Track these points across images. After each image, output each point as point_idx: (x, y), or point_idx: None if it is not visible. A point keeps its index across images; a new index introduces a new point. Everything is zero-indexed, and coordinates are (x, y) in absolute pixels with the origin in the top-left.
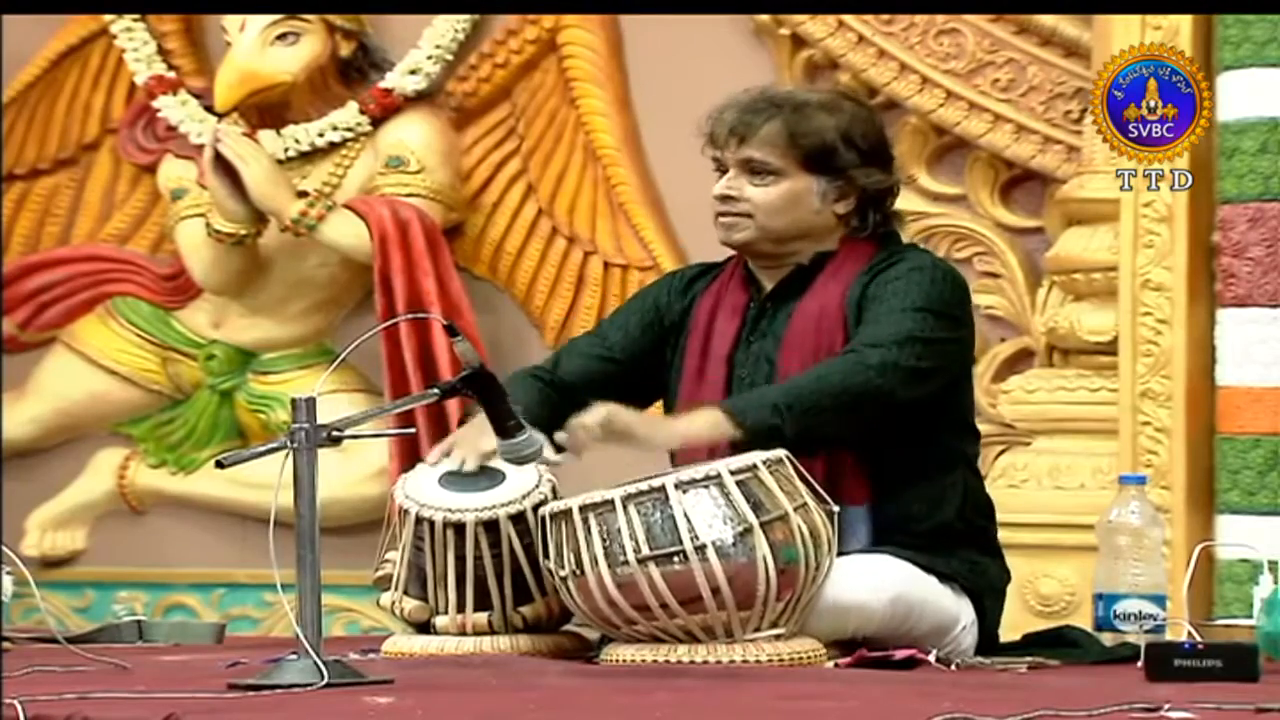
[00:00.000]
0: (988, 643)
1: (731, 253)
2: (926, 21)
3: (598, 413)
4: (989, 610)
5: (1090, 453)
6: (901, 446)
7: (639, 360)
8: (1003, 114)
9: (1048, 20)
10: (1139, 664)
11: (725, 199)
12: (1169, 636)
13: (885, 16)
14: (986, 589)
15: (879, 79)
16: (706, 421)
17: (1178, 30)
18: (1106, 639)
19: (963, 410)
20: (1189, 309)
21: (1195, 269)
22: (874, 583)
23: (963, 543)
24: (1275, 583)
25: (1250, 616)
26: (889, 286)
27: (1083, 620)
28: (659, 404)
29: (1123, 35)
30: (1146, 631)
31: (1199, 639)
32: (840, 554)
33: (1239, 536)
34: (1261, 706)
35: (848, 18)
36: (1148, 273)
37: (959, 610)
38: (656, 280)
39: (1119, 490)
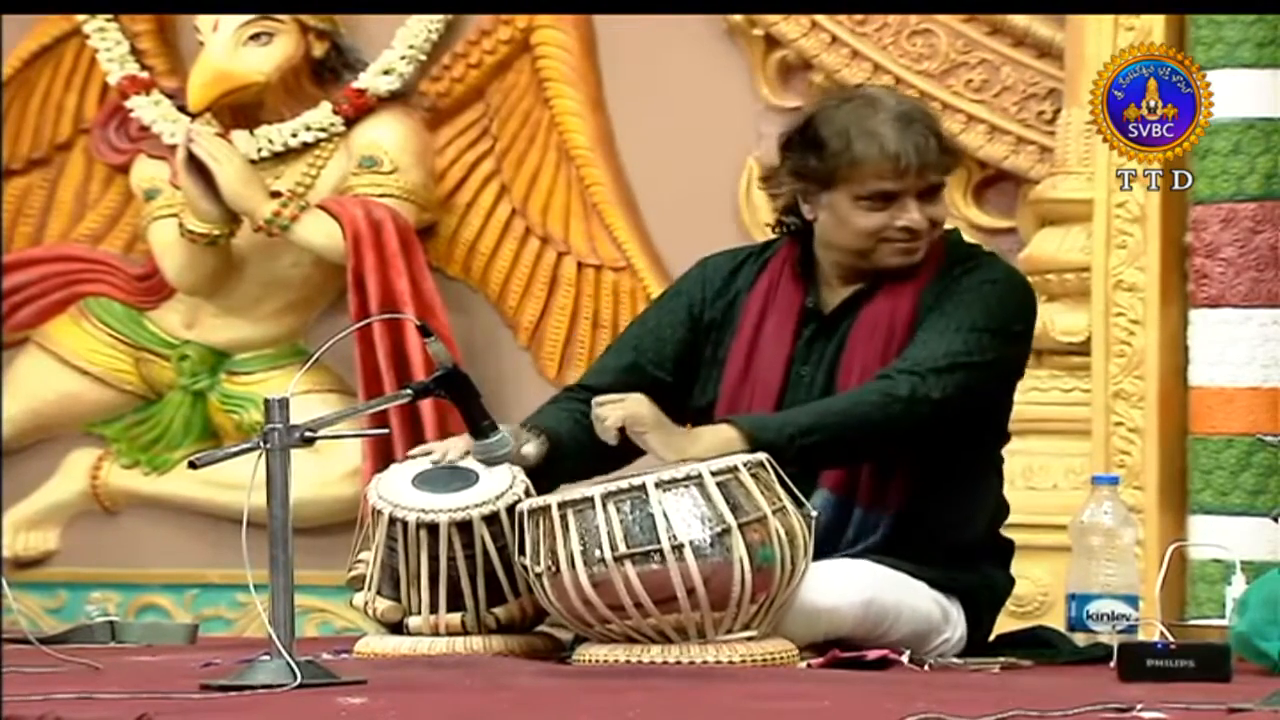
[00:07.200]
0: (974, 650)
1: (757, 237)
2: (900, 22)
3: (618, 413)
4: (985, 623)
5: (1063, 453)
6: (947, 451)
7: (676, 367)
8: (976, 114)
9: (1020, 21)
10: (1111, 664)
11: (912, 231)
12: (1141, 637)
13: (859, 17)
14: (989, 604)
15: (852, 79)
16: (721, 440)
17: (1150, 31)
18: (1079, 639)
19: (1004, 416)
20: (1162, 309)
21: (1168, 269)
22: (846, 586)
23: (987, 557)
24: (1247, 583)
25: (1223, 617)
26: (954, 299)
27: (1055, 620)
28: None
29: (1095, 36)
30: (1119, 632)
31: (1171, 639)
32: (854, 554)
33: (1212, 537)
34: (1233, 707)
35: (821, 18)
36: (1120, 273)
37: (942, 616)
38: (685, 277)
39: (1092, 491)
